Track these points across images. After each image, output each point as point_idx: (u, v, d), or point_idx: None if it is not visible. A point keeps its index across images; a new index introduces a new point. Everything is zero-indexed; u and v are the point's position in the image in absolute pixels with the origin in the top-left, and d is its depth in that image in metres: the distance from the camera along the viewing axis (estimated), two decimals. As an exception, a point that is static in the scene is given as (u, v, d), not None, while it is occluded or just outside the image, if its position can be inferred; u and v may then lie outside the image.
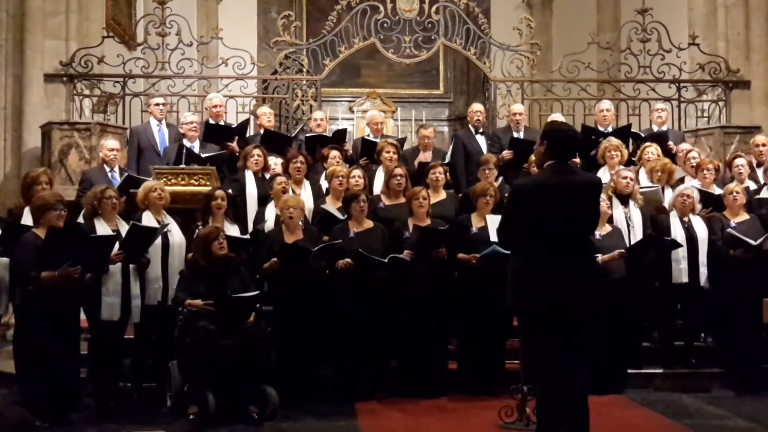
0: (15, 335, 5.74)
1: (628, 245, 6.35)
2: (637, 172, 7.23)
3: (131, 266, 5.78)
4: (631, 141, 8.03)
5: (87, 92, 8.85)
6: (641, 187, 6.95)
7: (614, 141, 7.43)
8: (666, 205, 6.92)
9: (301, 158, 7.18)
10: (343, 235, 6.26)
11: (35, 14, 8.65)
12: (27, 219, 5.88)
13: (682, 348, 6.80)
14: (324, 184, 7.32)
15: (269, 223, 6.61)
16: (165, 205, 6.18)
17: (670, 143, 8.03)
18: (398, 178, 6.79)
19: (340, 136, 8.22)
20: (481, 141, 8.36)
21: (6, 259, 5.65)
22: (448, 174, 7.25)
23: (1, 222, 5.97)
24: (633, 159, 7.65)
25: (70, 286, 5.38)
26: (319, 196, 7.14)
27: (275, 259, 6.04)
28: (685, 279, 6.57)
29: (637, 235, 6.47)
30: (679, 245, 6.47)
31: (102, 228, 5.76)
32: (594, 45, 9.71)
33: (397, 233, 6.36)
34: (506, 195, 6.82)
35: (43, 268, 5.27)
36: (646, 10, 9.47)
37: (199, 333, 5.44)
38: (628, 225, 6.54)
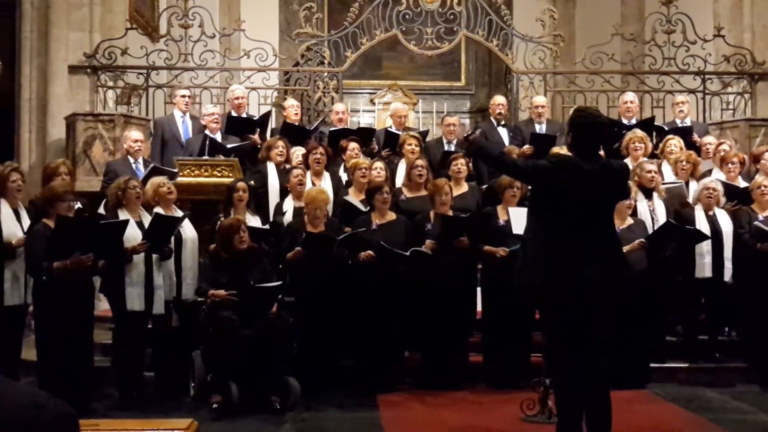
0: (35, 325, 5.80)
1: (651, 239, 6.31)
2: (659, 165, 7.17)
3: (154, 257, 5.82)
4: (654, 134, 7.95)
5: (111, 84, 8.90)
6: (665, 183, 6.89)
7: (639, 132, 7.37)
8: (690, 198, 6.86)
9: (320, 150, 7.18)
10: (366, 226, 6.27)
11: (60, 6, 8.71)
12: (50, 209, 5.95)
13: (706, 342, 6.74)
14: (344, 175, 7.32)
15: (288, 215, 6.63)
16: (174, 200, 6.21)
17: (695, 135, 7.95)
18: (419, 168, 6.78)
19: (367, 134, 8.16)
20: (503, 133, 8.33)
21: None
22: (471, 165, 7.23)
23: (29, 212, 6.02)
24: (655, 152, 7.59)
25: (83, 274, 5.41)
26: (339, 188, 7.15)
27: (299, 248, 6.06)
28: (708, 273, 6.52)
29: (662, 228, 6.43)
30: (703, 235, 6.40)
31: (125, 218, 5.80)
32: (618, 36, 9.62)
33: (419, 226, 6.35)
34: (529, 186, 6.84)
35: (54, 258, 5.30)
36: (671, 1, 9.35)
37: (222, 323, 5.48)
38: (652, 218, 6.50)
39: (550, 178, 4.16)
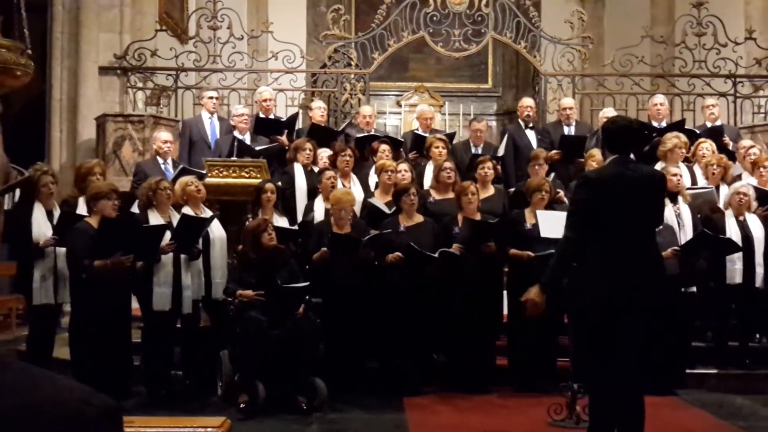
0: (70, 322, 5.87)
1: (679, 243, 6.24)
2: (690, 169, 7.09)
3: (182, 257, 5.86)
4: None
5: (140, 85, 8.98)
6: (695, 188, 6.81)
7: (683, 137, 7.24)
8: (721, 203, 6.78)
9: (348, 151, 7.18)
10: (393, 228, 6.26)
11: (90, 8, 8.80)
12: (81, 209, 6.02)
13: (737, 348, 6.66)
14: (373, 178, 7.32)
15: (318, 215, 6.64)
16: (202, 199, 6.25)
17: (726, 139, 7.86)
18: (447, 170, 6.76)
19: (395, 143, 8.08)
20: (531, 136, 8.29)
21: (64, 249, 5.79)
22: (499, 168, 7.19)
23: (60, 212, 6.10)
24: (687, 155, 7.50)
25: (122, 275, 5.48)
26: (367, 190, 7.15)
27: (324, 249, 6.07)
28: (739, 280, 6.44)
29: (688, 233, 6.35)
30: (736, 246, 6.32)
31: (155, 219, 5.86)
32: (647, 39, 9.55)
33: (446, 228, 6.34)
34: (557, 189, 6.81)
35: (96, 256, 5.38)
36: (702, 3, 9.26)
37: (250, 323, 5.50)
38: (678, 223, 6.43)
39: (593, 201, 4.14)
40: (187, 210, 6.09)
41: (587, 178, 4.42)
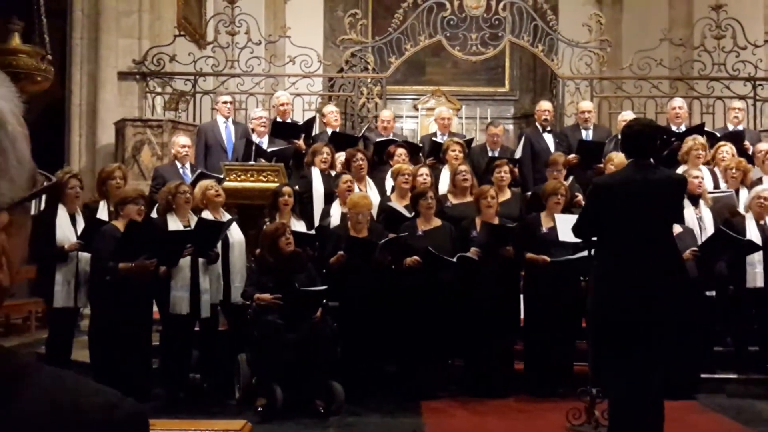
0: (90, 325, 5.92)
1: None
2: (712, 172, 7.04)
3: (200, 261, 5.89)
4: (705, 140, 7.81)
5: (159, 90, 9.05)
6: (715, 192, 6.76)
7: (701, 139, 7.21)
8: (741, 206, 6.72)
9: (360, 155, 7.18)
10: (411, 232, 6.26)
11: (109, 14, 8.88)
12: (102, 213, 6.07)
13: (757, 353, 6.59)
14: (389, 182, 7.33)
15: (334, 220, 6.65)
16: (222, 203, 6.28)
17: (746, 143, 7.80)
18: (463, 174, 6.76)
19: (414, 148, 8.11)
20: (549, 139, 8.26)
21: (88, 255, 5.84)
22: (516, 171, 7.18)
23: (84, 217, 6.15)
24: (707, 158, 7.45)
25: (145, 279, 5.53)
26: (383, 194, 7.15)
27: (341, 252, 6.08)
28: (760, 283, 6.37)
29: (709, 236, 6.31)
30: (755, 245, 6.27)
31: (174, 222, 5.90)
32: (666, 41, 9.51)
33: (464, 232, 6.33)
34: (576, 193, 6.79)
35: (120, 259, 5.43)
36: (721, 6, 9.22)
37: (267, 327, 5.52)
38: (700, 226, 6.39)
39: (600, 203, 4.15)
40: (206, 214, 6.12)
41: (597, 186, 4.42)
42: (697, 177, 6.47)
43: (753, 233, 6.40)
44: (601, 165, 7.26)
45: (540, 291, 6.14)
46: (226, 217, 6.24)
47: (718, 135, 7.92)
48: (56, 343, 6.11)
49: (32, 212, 0.84)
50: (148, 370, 5.82)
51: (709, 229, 6.38)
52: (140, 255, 5.47)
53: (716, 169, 7.21)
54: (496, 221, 6.28)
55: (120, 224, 5.59)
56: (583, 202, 6.62)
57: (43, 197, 0.83)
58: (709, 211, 6.47)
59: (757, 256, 6.36)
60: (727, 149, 7.28)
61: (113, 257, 5.45)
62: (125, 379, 5.42)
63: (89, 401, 0.78)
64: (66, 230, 5.90)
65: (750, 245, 6.26)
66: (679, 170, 6.95)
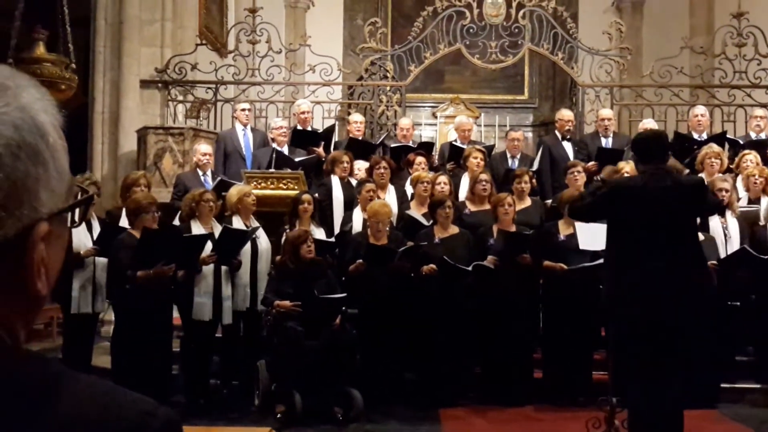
0: (113, 332, 5.97)
1: (722, 255, 6.16)
2: (735, 180, 6.99)
3: (223, 268, 5.94)
4: (727, 148, 7.77)
5: (180, 98, 9.12)
6: (742, 207, 6.71)
7: (715, 147, 7.18)
8: (762, 216, 6.67)
9: (384, 163, 7.21)
10: (428, 240, 6.27)
11: (132, 22, 8.97)
12: (125, 221, 6.12)
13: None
14: (409, 189, 7.34)
15: (356, 226, 6.67)
16: (253, 211, 6.32)
17: (769, 150, 7.73)
18: (483, 183, 6.75)
19: (427, 148, 8.20)
20: (568, 147, 8.24)
21: (104, 260, 5.89)
22: (534, 181, 7.17)
23: (100, 223, 6.21)
24: (731, 167, 7.40)
25: (164, 284, 5.57)
26: (403, 201, 7.16)
27: (360, 260, 6.10)
28: (783, 292, 6.31)
29: (734, 245, 6.26)
30: None
31: (198, 230, 5.95)
32: (687, 49, 9.46)
33: (481, 240, 6.33)
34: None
35: (138, 267, 5.47)
36: (742, 14, 9.16)
37: (287, 334, 5.54)
38: (725, 234, 6.34)
39: (613, 204, 4.15)
40: (236, 220, 6.17)
41: (614, 187, 4.40)
42: (721, 189, 6.40)
43: (775, 242, 6.34)
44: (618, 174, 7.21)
45: (558, 299, 6.13)
46: (255, 224, 6.28)
47: (741, 143, 7.87)
48: (73, 349, 6.14)
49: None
50: (167, 376, 5.86)
51: (735, 238, 6.32)
52: (158, 261, 5.50)
53: (739, 178, 7.16)
54: (513, 229, 6.28)
55: (136, 233, 5.63)
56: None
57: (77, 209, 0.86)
58: (736, 221, 6.41)
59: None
60: (751, 157, 7.22)
61: (131, 266, 5.49)
62: (144, 385, 5.46)
63: (125, 409, 0.80)
64: (82, 236, 5.95)
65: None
66: (705, 179, 6.92)
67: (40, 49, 6.76)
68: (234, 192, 6.31)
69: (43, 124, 0.80)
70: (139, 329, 5.51)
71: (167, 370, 5.90)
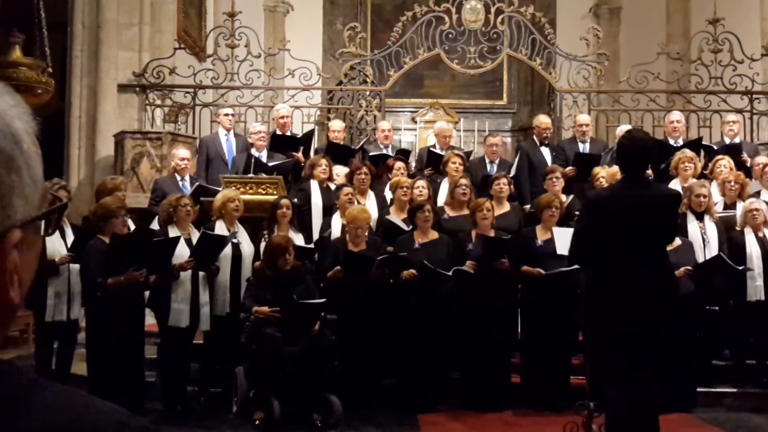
0: (86, 339, 5.90)
1: (700, 260, 6.22)
2: (709, 186, 7.06)
3: (201, 274, 5.90)
4: (702, 154, 7.85)
5: (159, 102, 9.06)
6: (720, 213, 6.78)
7: (688, 153, 7.26)
8: (738, 220, 6.74)
9: (365, 169, 7.22)
10: (408, 246, 6.27)
11: (110, 26, 8.90)
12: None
13: (755, 367, 6.59)
14: (388, 195, 7.34)
15: (335, 233, 6.66)
16: (239, 216, 6.29)
17: (744, 155, 7.83)
18: (463, 188, 6.77)
19: (404, 155, 8.20)
20: (546, 153, 8.29)
21: (77, 266, 5.83)
22: (512, 186, 7.20)
23: (74, 229, 6.15)
24: (705, 172, 7.47)
25: (136, 290, 5.51)
26: (383, 207, 7.17)
27: (339, 267, 6.09)
28: (761, 296, 6.37)
29: (713, 250, 6.33)
30: (746, 270, 6.30)
31: (175, 235, 5.89)
32: (663, 55, 9.55)
33: (460, 245, 6.34)
34: (576, 212, 6.80)
35: (109, 274, 5.40)
36: (718, 20, 9.26)
37: (266, 340, 5.52)
38: (704, 239, 6.40)
39: (593, 219, 4.18)
40: (219, 225, 6.13)
41: (590, 200, 4.45)
42: (699, 195, 6.46)
43: (753, 247, 6.41)
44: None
45: (537, 304, 6.15)
46: (240, 229, 6.25)
47: (716, 148, 7.95)
48: (47, 357, 6.06)
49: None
50: (141, 383, 5.80)
51: (713, 243, 6.38)
52: (129, 267, 5.44)
53: (714, 183, 7.23)
54: (491, 234, 6.29)
55: (106, 238, 5.57)
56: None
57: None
58: (714, 225, 6.47)
59: (758, 270, 6.37)
60: (725, 163, 7.30)
61: (102, 272, 5.42)
62: (120, 393, 5.40)
63: (97, 419, 0.79)
64: (56, 243, 5.85)
65: (746, 271, 6.28)
66: (677, 186, 6.99)
67: (17, 53, 6.68)
68: (219, 196, 6.28)
69: (18, 131, 0.79)
70: (112, 336, 5.45)
71: (141, 376, 5.85)
